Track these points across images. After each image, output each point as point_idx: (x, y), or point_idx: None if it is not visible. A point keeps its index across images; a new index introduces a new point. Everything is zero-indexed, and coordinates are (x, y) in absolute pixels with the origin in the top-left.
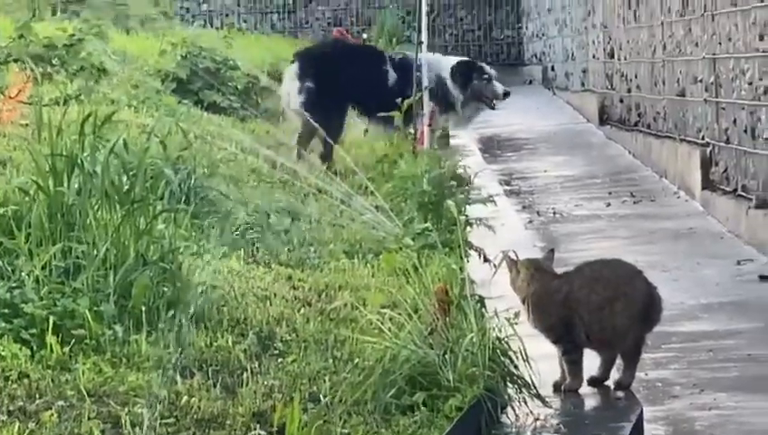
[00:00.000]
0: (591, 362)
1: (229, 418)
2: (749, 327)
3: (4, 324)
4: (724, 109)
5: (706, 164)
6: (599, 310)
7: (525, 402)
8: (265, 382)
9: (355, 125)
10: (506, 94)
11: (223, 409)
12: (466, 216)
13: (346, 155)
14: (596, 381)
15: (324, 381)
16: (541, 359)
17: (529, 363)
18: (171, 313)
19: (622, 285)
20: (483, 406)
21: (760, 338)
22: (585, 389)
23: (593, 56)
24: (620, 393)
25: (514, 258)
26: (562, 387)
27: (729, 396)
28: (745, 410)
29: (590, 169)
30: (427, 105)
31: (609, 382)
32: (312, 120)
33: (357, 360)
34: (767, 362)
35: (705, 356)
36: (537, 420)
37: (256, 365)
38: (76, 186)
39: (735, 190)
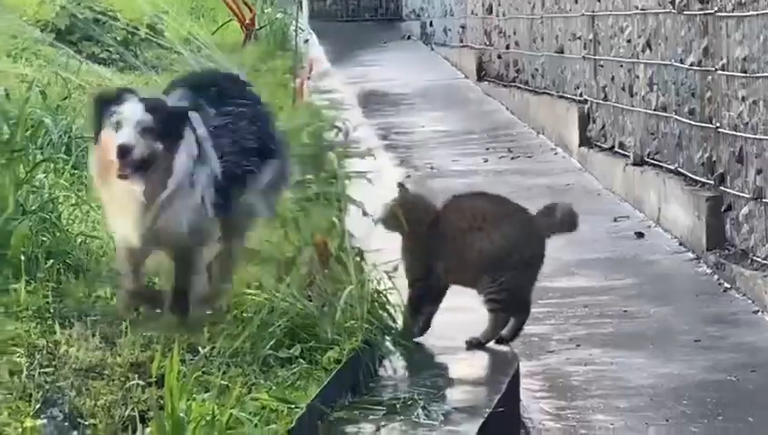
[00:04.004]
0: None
1: (108, 368)
2: (625, 283)
3: None
4: (602, 66)
5: (584, 121)
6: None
7: (404, 355)
8: (144, 333)
9: None
10: None
11: (101, 359)
12: (345, 169)
13: None
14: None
15: (203, 333)
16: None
17: None
18: (50, 262)
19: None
20: (361, 359)
21: (635, 294)
22: (462, 343)
23: (472, 12)
24: (503, 347)
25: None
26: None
27: (604, 352)
28: (620, 366)
29: (468, 125)
30: (306, 58)
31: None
32: None
33: (236, 311)
34: (642, 318)
35: (581, 312)
36: (415, 373)
37: (135, 316)
38: None
39: (612, 147)
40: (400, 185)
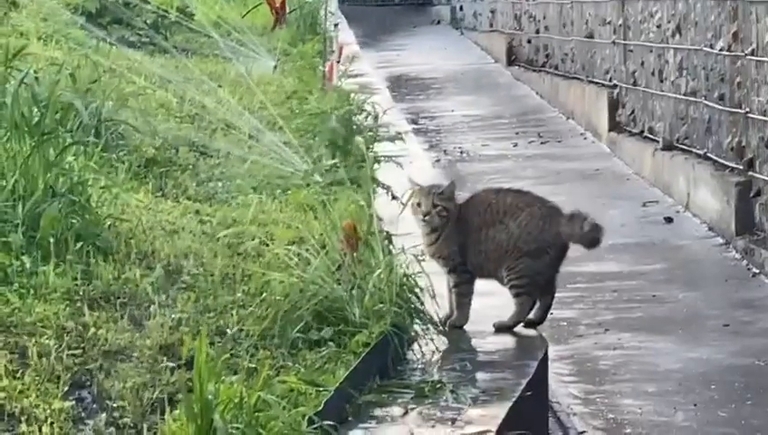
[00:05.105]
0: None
1: (136, 350)
2: (653, 268)
3: None
4: (632, 51)
5: (613, 106)
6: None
7: (432, 339)
8: (173, 316)
9: (264, 62)
10: None
11: (130, 341)
12: (374, 153)
13: (256, 90)
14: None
15: (232, 316)
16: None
17: (436, 300)
18: (79, 244)
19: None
20: (389, 342)
21: (664, 279)
22: (490, 327)
23: None
24: (532, 331)
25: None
26: (448, 322)
27: (633, 336)
28: (649, 351)
29: (498, 110)
30: (336, 42)
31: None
32: None
33: (264, 294)
34: (670, 303)
35: (609, 296)
36: (443, 356)
37: (164, 298)
38: None
39: (642, 132)
40: (411, 181)
